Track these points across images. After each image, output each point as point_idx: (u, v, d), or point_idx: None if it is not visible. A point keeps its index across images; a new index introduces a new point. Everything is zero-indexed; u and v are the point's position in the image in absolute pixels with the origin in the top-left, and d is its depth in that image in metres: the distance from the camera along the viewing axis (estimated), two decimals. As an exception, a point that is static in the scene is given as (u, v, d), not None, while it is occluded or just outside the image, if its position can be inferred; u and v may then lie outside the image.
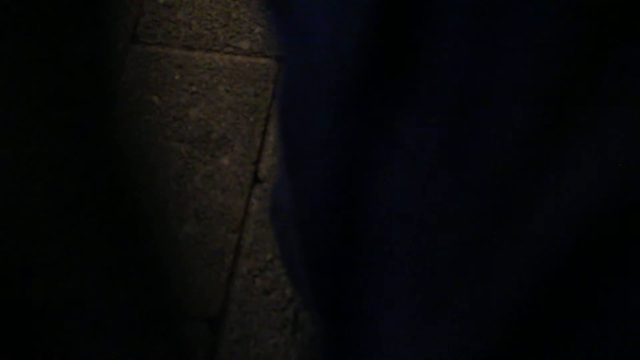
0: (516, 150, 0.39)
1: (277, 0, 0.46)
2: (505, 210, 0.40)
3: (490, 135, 0.39)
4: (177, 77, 1.55)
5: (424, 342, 0.46)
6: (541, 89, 0.37)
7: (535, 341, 0.43)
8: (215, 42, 1.61)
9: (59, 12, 0.40)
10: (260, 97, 1.55)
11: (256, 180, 1.47)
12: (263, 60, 1.59)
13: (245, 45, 1.61)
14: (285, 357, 1.33)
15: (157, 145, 1.39)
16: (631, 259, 0.40)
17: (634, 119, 0.37)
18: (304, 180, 0.49)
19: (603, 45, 0.36)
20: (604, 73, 0.36)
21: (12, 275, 0.41)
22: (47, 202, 0.41)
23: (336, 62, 0.42)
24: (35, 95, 0.39)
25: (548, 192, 0.39)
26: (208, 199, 1.44)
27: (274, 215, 0.71)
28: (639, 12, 0.35)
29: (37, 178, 0.39)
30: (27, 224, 0.41)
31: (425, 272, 0.44)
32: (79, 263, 0.43)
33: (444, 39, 0.38)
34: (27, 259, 0.41)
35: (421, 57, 0.39)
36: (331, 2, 0.40)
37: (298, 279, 0.60)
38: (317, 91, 0.44)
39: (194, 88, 1.55)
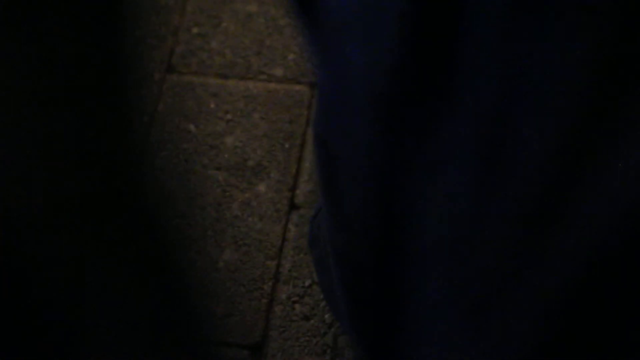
0: (554, 155, 0.39)
1: (311, 25, 0.46)
2: (543, 214, 0.40)
3: (528, 141, 0.39)
4: (212, 105, 1.56)
5: (463, 351, 0.46)
6: (575, 97, 0.37)
7: (575, 347, 0.43)
8: (249, 70, 1.61)
9: (95, 45, 0.41)
10: (295, 124, 1.56)
11: (293, 206, 1.48)
12: (297, 87, 1.59)
13: (279, 72, 1.61)
14: (326, 383, 1.33)
15: (194, 173, 1.39)
16: None
17: None
18: (343, 205, 0.49)
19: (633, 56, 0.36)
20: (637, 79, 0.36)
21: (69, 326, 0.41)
22: (85, 231, 0.42)
23: (370, 82, 0.42)
24: (72, 124, 0.39)
25: (586, 196, 0.39)
26: (246, 226, 1.44)
27: (313, 243, 0.71)
28: None
29: (74, 206, 0.40)
30: (74, 267, 0.41)
31: (464, 283, 0.44)
32: (116, 290, 0.43)
33: (482, 42, 0.38)
34: (82, 308, 0.41)
35: (462, 63, 0.39)
36: (364, 23, 0.41)
37: (337, 305, 0.60)
38: (353, 114, 0.44)
39: (229, 116, 1.56)
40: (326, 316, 1.37)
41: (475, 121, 0.40)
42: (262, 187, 1.49)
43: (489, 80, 0.39)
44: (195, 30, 1.64)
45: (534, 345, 0.44)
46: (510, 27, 0.37)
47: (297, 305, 1.39)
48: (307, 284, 1.40)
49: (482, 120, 0.40)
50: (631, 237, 0.39)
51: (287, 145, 1.53)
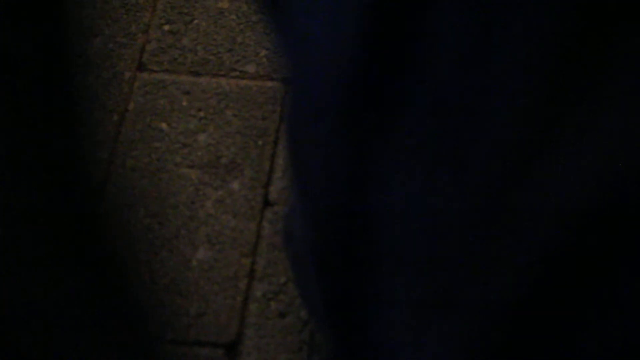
0: (513, 147, 0.39)
1: (281, 21, 0.46)
2: (503, 209, 0.40)
3: (487, 134, 0.39)
4: (184, 103, 1.56)
5: (426, 344, 0.46)
6: (538, 84, 0.37)
7: (536, 340, 0.43)
8: (222, 67, 1.61)
9: (63, 45, 0.40)
10: (268, 120, 1.55)
11: (267, 203, 1.47)
12: (270, 84, 1.59)
13: (251, 69, 1.61)
14: (302, 380, 1.33)
15: (166, 172, 1.39)
16: (631, 254, 0.39)
17: (634, 113, 0.37)
18: (313, 204, 0.49)
19: (602, 38, 0.36)
20: (604, 66, 0.36)
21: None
22: (53, 232, 0.41)
23: (334, 75, 0.42)
24: (38, 125, 0.39)
25: (545, 190, 0.39)
26: (220, 224, 1.44)
27: (287, 240, 0.71)
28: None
29: (41, 207, 0.40)
30: (32, 266, 0.41)
31: (428, 275, 0.44)
32: (86, 290, 0.43)
33: (439, 40, 0.38)
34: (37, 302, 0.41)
35: (417, 58, 0.39)
36: (328, 16, 0.40)
37: (313, 302, 0.60)
38: (317, 107, 0.44)
39: (201, 113, 1.55)
40: (302, 313, 1.37)
41: (435, 109, 0.40)
42: (235, 185, 1.48)
43: (452, 64, 0.39)
44: (166, 27, 1.63)
45: (497, 345, 0.45)
46: (475, 5, 0.37)
47: (272, 303, 1.38)
48: (282, 281, 1.40)
49: (442, 108, 0.40)
50: (589, 234, 0.39)
51: (260, 142, 1.53)
